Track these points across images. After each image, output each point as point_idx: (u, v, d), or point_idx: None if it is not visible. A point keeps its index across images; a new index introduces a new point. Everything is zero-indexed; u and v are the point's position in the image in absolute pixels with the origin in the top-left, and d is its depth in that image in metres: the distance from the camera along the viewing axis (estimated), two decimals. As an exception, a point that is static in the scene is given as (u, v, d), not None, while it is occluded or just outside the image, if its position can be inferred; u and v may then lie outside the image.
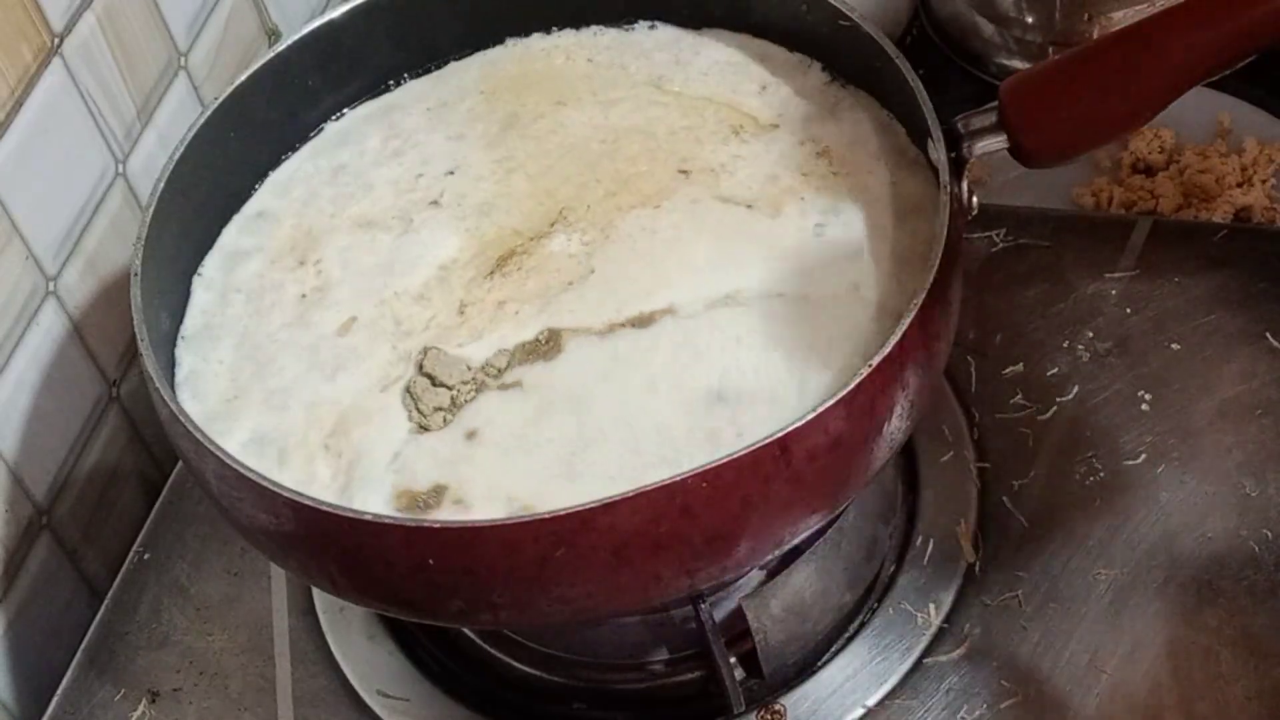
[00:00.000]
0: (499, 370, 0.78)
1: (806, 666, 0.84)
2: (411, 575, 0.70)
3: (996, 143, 0.78)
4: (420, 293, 0.82)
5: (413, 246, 0.83)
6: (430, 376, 0.78)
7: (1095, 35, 1.14)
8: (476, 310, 0.80)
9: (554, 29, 0.91)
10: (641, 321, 0.78)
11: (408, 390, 0.78)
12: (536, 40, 0.91)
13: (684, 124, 0.85)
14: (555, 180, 0.84)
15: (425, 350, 0.79)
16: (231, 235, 0.86)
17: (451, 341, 0.79)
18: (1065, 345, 0.93)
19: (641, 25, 0.91)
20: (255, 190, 0.88)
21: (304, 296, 0.83)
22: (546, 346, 0.78)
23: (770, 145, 0.84)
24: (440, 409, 0.77)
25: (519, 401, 0.77)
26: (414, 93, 0.91)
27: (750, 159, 0.83)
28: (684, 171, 0.83)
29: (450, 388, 0.77)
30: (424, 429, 0.77)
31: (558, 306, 0.79)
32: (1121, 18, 1.14)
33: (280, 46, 0.87)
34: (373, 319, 0.81)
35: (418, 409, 0.77)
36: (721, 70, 0.88)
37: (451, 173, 0.86)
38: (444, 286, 0.81)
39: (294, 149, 0.89)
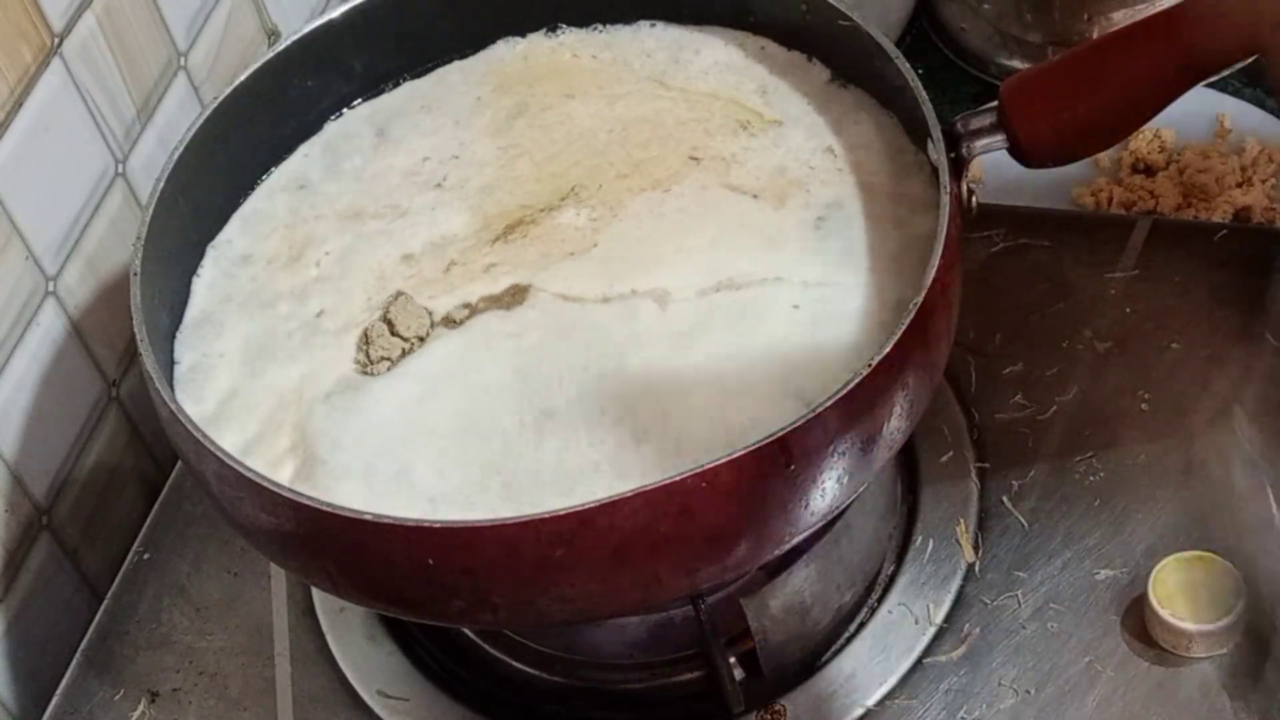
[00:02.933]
0: (456, 323, 0.79)
1: (806, 666, 0.84)
2: (411, 575, 0.70)
3: (996, 143, 0.79)
4: (412, 253, 0.82)
5: (415, 226, 0.84)
6: (390, 323, 0.79)
7: (1095, 35, 1.14)
8: (462, 270, 0.81)
9: (555, 28, 0.91)
10: (631, 297, 0.78)
11: (365, 332, 0.79)
12: (539, 39, 0.91)
13: (692, 116, 0.86)
14: (564, 165, 0.85)
15: (396, 295, 0.80)
16: (231, 234, 0.86)
17: (424, 294, 0.80)
18: (1065, 345, 0.93)
19: (643, 24, 0.91)
20: (255, 189, 0.88)
21: (304, 291, 0.83)
22: (510, 298, 0.79)
23: (779, 140, 0.84)
24: (386, 358, 0.78)
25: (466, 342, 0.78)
26: (415, 91, 0.91)
27: (760, 151, 0.84)
28: (695, 158, 0.84)
29: (405, 340, 0.79)
30: (364, 373, 0.78)
31: (551, 274, 0.80)
32: (1121, 18, 1.14)
33: (280, 46, 0.87)
34: (361, 283, 0.82)
35: (366, 353, 0.78)
36: (723, 69, 0.88)
37: (457, 157, 0.86)
38: (438, 252, 0.82)
39: (294, 148, 0.89)
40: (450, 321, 0.79)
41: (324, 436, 0.76)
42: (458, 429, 0.75)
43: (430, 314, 0.79)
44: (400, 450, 0.75)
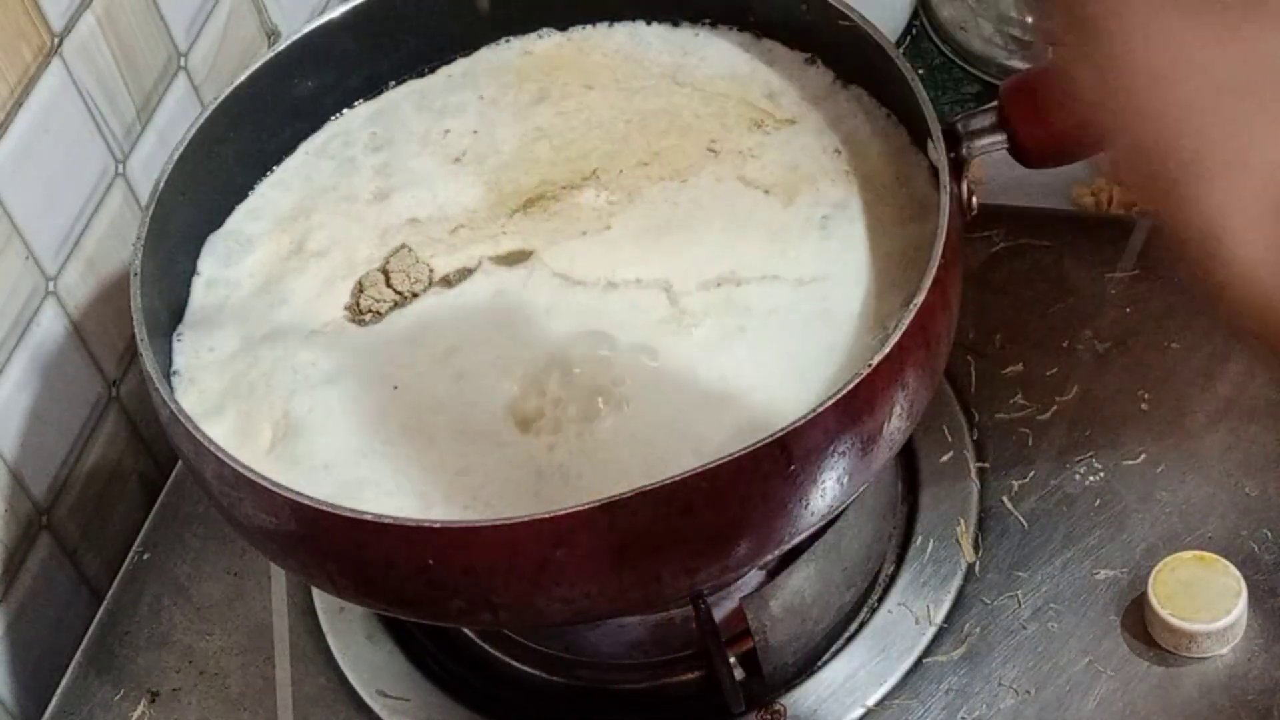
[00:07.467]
0: (451, 284, 0.80)
1: (806, 666, 0.84)
2: (411, 575, 0.70)
3: (996, 143, 0.79)
4: (418, 218, 0.83)
5: (427, 196, 0.84)
6: (386, 274, 0.80)
7: (1095, 35, 1.14)
8: (469, 233, 0.82)
9: (558, 27, 0.91)
10: (635, 285, 0.78)
11: (360, 280, 0.81)
12: (542, 37, 0.91)
13: (708, 110, 0.86)
14: (583, 150, 0.86)
15: (399, 247, 0.82)
16: (231, 232, 0.86)
17: (427, 252, 0.82)
18: (1065, 345, 0.93)
19: (640, 23, 0.91)
20: (256, 188, 0.88)
21: (304, 277, 0.83)
22: (515, 259, 0.81)
23: (792, 138, 0.84)
24: (374, 310, 0.79)
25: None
26: (418, 88, 0.91)
27: (775, 148, 0.84)
28: (713, 150, 0.84)
29: (400, 294, 0.80)
30: (351, 321, 0.80)
31: (559, 250, 0.81)
32: (1121, 18, 1.13)
33: (280, 46, 0.87)
34: (365, 241, 0.83)
35: (358, 302, 0.80)
36: (729, 68, 0.88)
37: (476, 131, 0.87)
38: (448, 219, 0.83)
39: (294, 148, 0.89)
40: (446, 282, 0.80)
41: (298, 383, 0.78)
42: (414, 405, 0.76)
43: (431, 271, 0.81)
44: (356, 420, 0.76)
